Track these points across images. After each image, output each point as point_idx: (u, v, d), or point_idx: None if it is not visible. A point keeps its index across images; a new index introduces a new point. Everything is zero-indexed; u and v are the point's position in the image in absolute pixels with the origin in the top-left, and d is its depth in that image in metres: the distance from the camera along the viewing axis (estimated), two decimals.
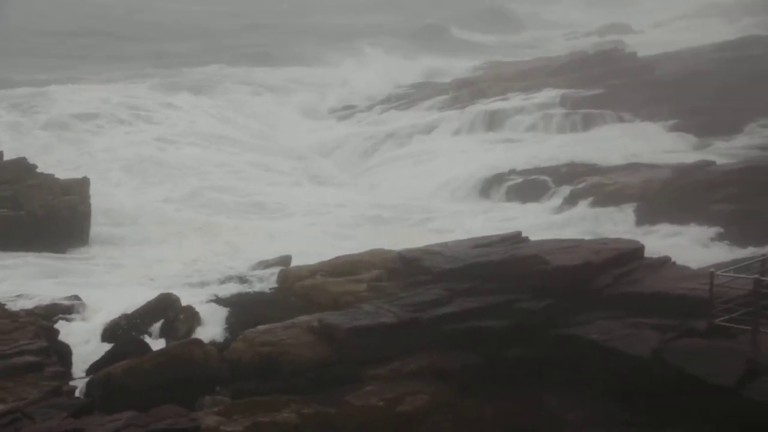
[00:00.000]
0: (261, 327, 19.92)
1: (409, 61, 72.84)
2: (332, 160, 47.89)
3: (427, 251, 22.71)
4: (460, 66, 70.97)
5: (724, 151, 41.51)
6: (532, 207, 36.31)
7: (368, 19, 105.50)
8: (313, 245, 29.81)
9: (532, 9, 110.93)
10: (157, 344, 20.93)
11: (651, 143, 44.20)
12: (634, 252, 21.28)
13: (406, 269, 22.36)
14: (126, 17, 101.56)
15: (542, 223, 33.51)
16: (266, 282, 24.47)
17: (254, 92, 62.46)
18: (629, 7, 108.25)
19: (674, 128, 45.96)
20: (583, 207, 34.17)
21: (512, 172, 39.87)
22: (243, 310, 22.36)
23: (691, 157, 38.71)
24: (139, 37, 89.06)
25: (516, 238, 23.38)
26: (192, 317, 21.95)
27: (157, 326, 21.81)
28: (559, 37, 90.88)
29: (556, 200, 35.70)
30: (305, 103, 60.34)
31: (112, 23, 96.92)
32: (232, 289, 24.15)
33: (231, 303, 22.97)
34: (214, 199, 38.08)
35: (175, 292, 22.95)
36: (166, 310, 22.07)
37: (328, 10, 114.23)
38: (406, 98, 59.91)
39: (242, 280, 24.90)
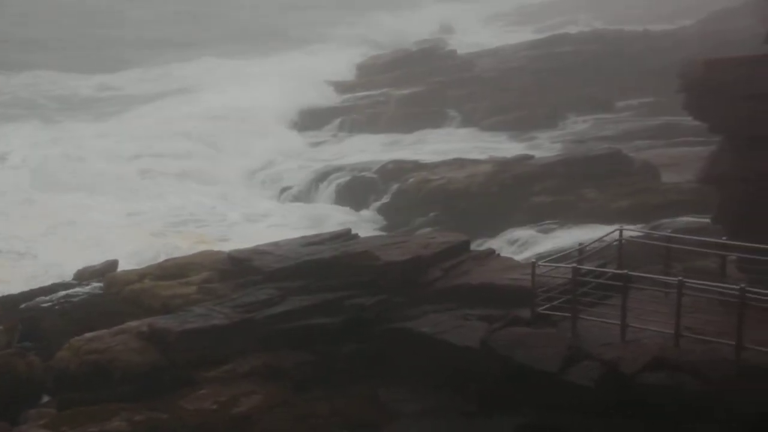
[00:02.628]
0: (88, 334, 19.38)
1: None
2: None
3: (258, 251, 22.62)
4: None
5: (542, 145, 43.23)
6: (359, 205, 36.67)
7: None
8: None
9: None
10: None
11: (473, 138, 45.56)
12: (462, 245, 21.89)
13: (236, 270, 22.19)
14: None
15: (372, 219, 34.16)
16: (91, 288, 23.65)
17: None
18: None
19: (494, 123, 47.44)
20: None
21: (339, 170, 40.11)
22: (68, 317, 21.57)
23: (511, 152, 40.04)
24: None
25: (346, 235, 23.62)
26: (12, 327, 20.99)
27: None
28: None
29: (385, 198, 36.19)
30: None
31: None
32: (55, 296, 23.23)
33: (55, 311, 22.11)
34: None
35: None
36: None
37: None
38: None
39: (66, 286, 23.97)
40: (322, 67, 63.64)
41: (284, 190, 39.51)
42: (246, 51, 76.40)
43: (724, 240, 18.33)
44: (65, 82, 68.59)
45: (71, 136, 48.31)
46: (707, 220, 22.70)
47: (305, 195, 38.85)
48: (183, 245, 29.23)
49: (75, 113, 57.23)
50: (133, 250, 28.86)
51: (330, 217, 34.73)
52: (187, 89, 60.75)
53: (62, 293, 23.38)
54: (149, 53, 78.30)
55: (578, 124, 47.56)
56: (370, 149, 43.96)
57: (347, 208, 36.19)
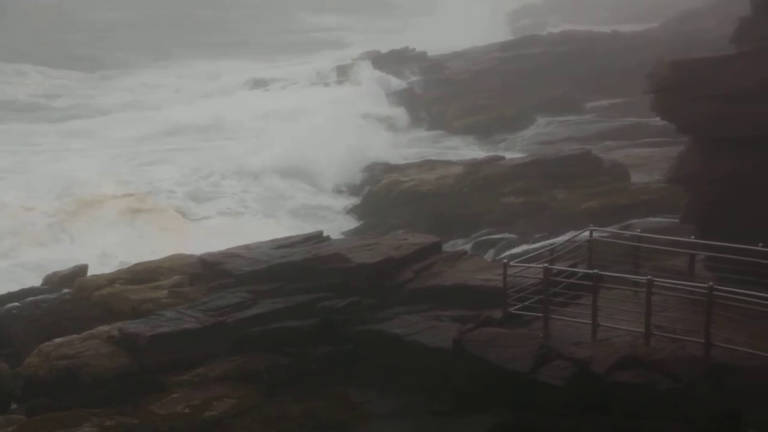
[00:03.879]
0: (57, 339, 19.22)
1: None
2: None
3: (229, 254, 22.54)
4: None
5: (512, 146, 43.42)
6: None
7: None
8: None
9: None
10: None
11: (443, 140, 45.68)
12: (433, 246, 21.93)
13: (208, 273, 22.10)
14: None
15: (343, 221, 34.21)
16: (60, 293, 23.40)
17: None
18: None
19: (464, 125, 47.57)
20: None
21: None
22: (37, 323, 21.35)
23: (481, 153, 40.16)
24: None
25: (317, 238, 23.61)
26: None
27: None
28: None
29: (356, 199, 36.23)
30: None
31: None
32: (24, 301, 22.96)
33: (24, 316, 21.87)
34: None
35: None
36: None
37: None
38: None
39: (35, 292, 23.71)
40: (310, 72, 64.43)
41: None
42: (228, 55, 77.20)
43: (692, 239, 18.48)
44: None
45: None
46: (676, 220, 22.87)
47: None
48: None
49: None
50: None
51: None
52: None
53: (31, 299, 23.13)
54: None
55: (548, 126, 47.80)
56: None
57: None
